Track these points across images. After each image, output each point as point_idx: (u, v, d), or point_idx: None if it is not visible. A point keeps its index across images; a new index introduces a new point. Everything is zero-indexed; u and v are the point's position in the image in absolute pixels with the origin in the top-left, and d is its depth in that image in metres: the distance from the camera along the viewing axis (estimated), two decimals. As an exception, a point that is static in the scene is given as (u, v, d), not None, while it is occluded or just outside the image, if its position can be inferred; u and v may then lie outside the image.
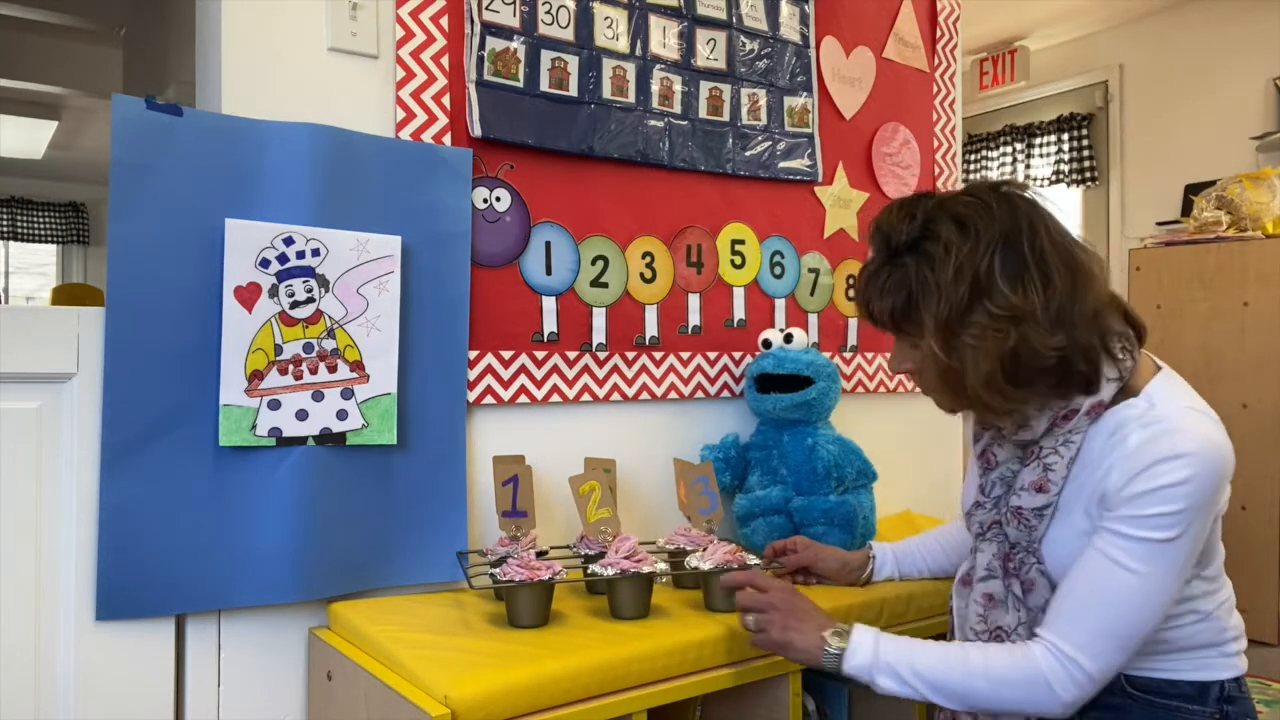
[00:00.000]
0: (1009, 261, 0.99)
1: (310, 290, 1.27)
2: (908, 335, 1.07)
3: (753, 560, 1.30)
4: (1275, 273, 2.80)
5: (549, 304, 1.54)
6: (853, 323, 1.95)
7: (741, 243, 1.77)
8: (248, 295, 1.23)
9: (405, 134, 1.40)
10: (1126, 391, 1.04)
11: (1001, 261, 0.99)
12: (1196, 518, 0.97)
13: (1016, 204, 1.03)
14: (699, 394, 1.71)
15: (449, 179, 1.41)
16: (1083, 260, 1.03)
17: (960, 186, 1.16)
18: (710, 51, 1.71)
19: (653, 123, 1.64)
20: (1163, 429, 0.98)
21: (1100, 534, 0.99)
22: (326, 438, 1.28)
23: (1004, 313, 0.98)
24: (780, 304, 1.83)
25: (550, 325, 1.54)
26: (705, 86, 1.71)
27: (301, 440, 1.26)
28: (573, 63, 1.55)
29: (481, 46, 1.45)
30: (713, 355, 1.73)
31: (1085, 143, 4.52)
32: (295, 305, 1.26)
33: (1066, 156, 4.57)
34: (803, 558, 1.42)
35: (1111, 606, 0.98)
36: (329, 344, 1.29)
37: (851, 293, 1.94)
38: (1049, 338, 0.98)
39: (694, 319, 1.71)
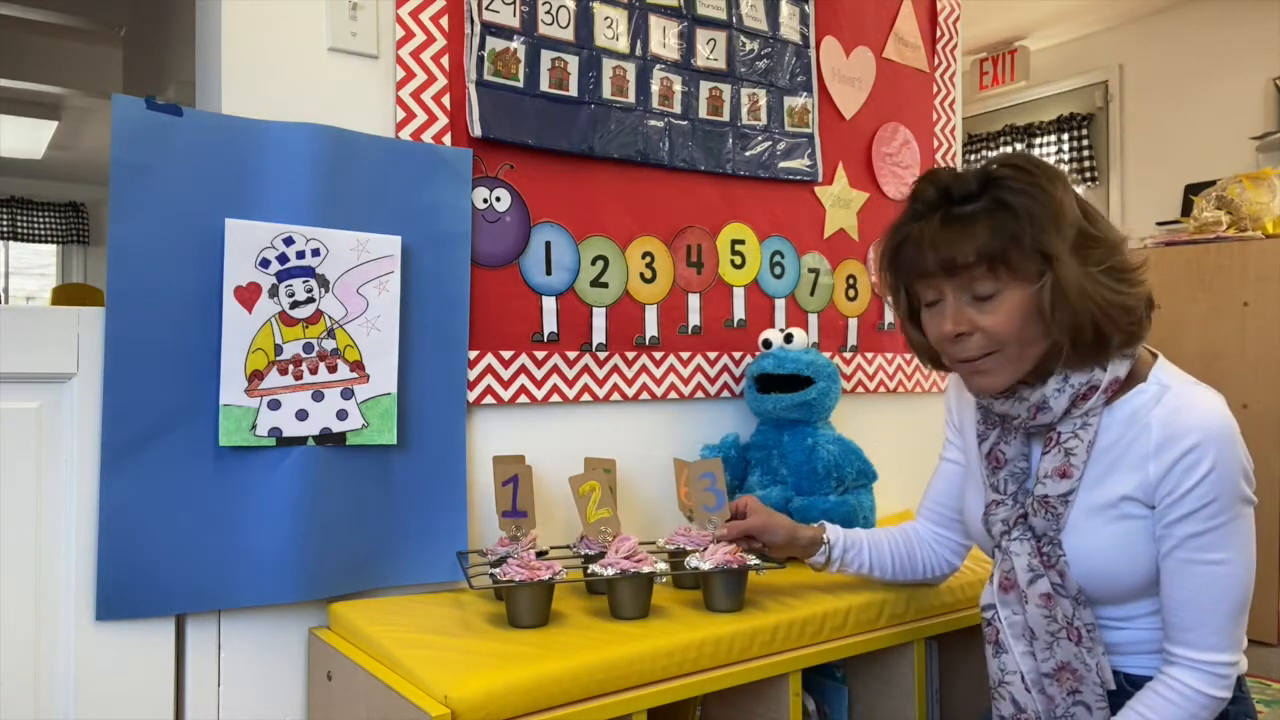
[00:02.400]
0: (1082, 204, 1.05)
1: (310, 290, 1.27)
2: (992, 280, 1.03)
3: (752, 560, 1.30)
4: (1275, 273, 2.80)
5: (549, 304, 1.54)
6: (853, 323, 1.95)
7: (741, 243, 1.77)
8: (248, 295, 1.23)
9: (405, 134, 1.40)
10: (1133, 378, 1.07)
11: (1078, 202, 1.05)
12: (1239, 484, 1.00)
13: (1057, 169, 1.08)
14: (699, 394, 1.71)
15: (449, 179, 1.41)
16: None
17: None
18: (710, 51, 1.71)
19: (653, 123, 1.64)
20: (1179, 415, 1.01)
21: (1174, 546, 1.02)
22: (326, 438, 1.28)
23: (1105, 238, 1.04)
24: (780, 304, 1.83)
25: (550, 325, 1.54)
26: (705, 86, 1.71)
27: (301, 440, 1.26)
28: (573, 63, 1.55)
29: (481, 46, 1.45)
30: (713, 355, 1.73)
31: (1085, 143, 4.52)
32: (295, 305, 1.26)
33: (1066, 156, 4.58)
34: (750, 524, 1.31)
35: (1222, 600, 1.01)
36: (329, 344, 1.29)
37: (853, 293, 1.94)
38: (1141, 272, 1.05)
39: (694, 319, 1.71)
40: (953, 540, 1.36)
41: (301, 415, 1.26)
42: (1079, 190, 4.52)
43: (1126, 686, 1.08)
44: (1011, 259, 1.02)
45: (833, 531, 1.34)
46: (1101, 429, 1.07)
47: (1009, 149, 4.87)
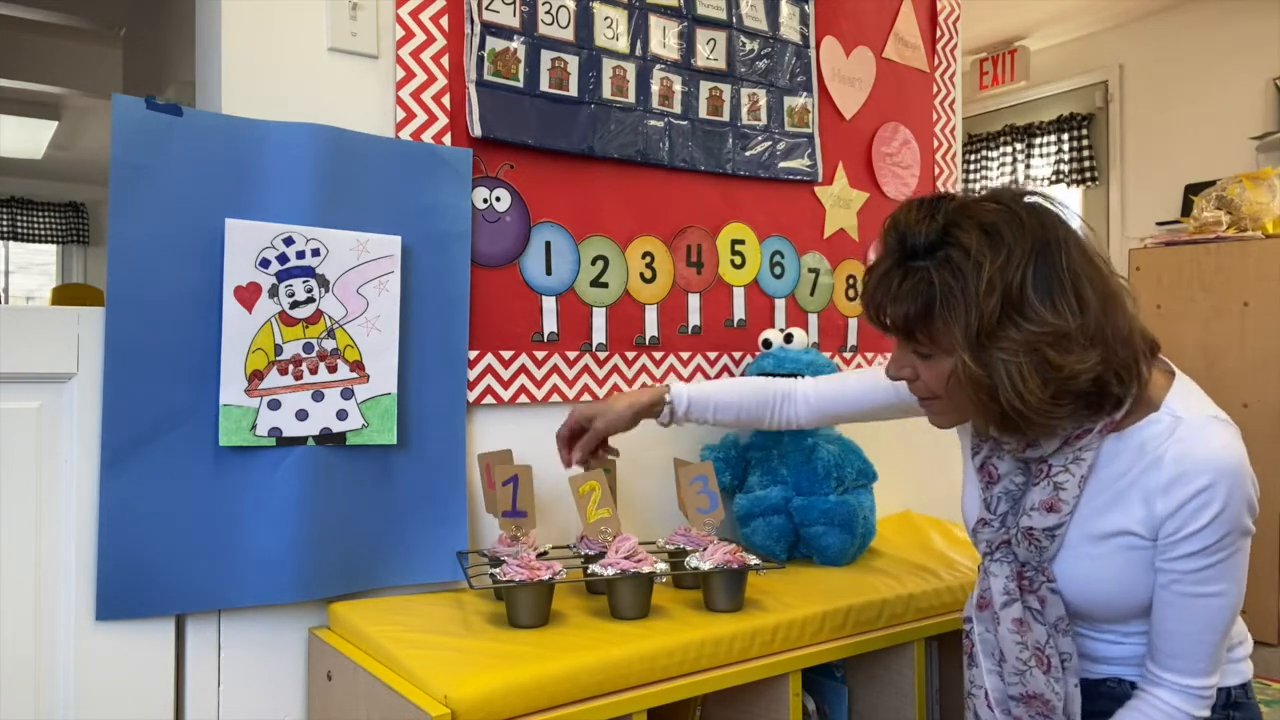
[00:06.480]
0: (1042, 278, 0.95)
1: (310, 290, 1.27)
2: (919, 344, 1.02)
3: (752, 560, 1.30)
4: (1275, 273, 2.80)
5: (549, 304, 1.54)
6: (853, 323, 1.95)
7: (741, 243, 1.77)
8: (248, 295, 1.23)
9: (405, 134, 1.40)
10: (1145, 404, 1.01)
11: (1035, 277, 0.94)
12: (1244, 520, 0.97)
13: (1046, 217, 0.98)
14: (699, 394, 1.70)
15: (449, 179, 1.41)
16: (1109, 277, 0.99)
17: (961, 187, 1.11)
18: (710, 51, 1.71)
19: (653, 123, 1.64)
20: (1193, 452, 0.97)
21: (1172, 580, 0.99)
22: (326, 438, 1.28)
23: (1039, 330, 0.93)
24: (780, 304, 1.83)
25: (550, 325, 1.54)
26: (705, 86, 1.71)
27: (301, 440, 1.26)
28: (573, 63, 1.55)
29: (481, 46, 1.45)
30: (713, 355, 1.73)
31: (1085, 143, 4.52)
32: (295, 305, 1.26)
33: (1066, 156, 4.57)
34: (596, 433, 1.35)
35: (1214, 631, 0.99)
36: (329, 344, 1.29)
37: (852, 293, 1.94)
38: (1085, 358, 0.94)
39: (694, 319, 1.71)
40: (818, 419, 1.43)
41: (301, 415, 1.26)
42: (1078, 194, 4.50)
43: (1118, 692, 1.08)
44: (931, 331, 0.98)
45: (677, 394, 1.38)
46: (1109, 457, 1.02)
47: (1008, 149, 4.86)
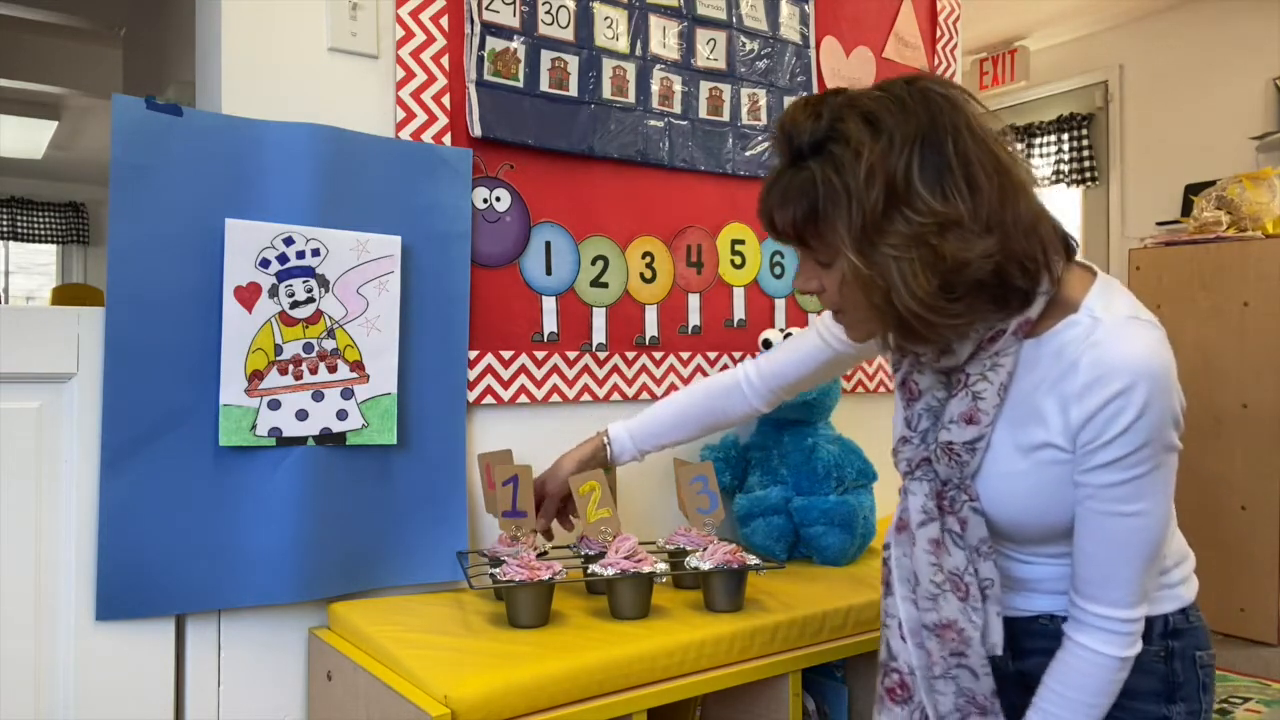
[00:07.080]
0: (929, 164, 0.88)
1: (310, 290, 1.27)
2: (813, 250, 0.95)
3: (752, 560, 1.30)
4: (1275, 273, 2.80)
5: (549, 304, 1.54)
6: (853, 323, 1.95)
7: (741, 243, 1.77)
8: (248, 295, 1.23)
9: (405, 134, 1.40)
10: (1063, 306, 0.95)
11: (920, 164, 0.88)
12: (1167, 431, 0.92)
13: (934, 100, 0.91)
14: (699, 394, 1.70)
15: (449, 179, 1.41)
16: (1009, 165, 0.92)
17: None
18: (710, 51, 1.71)
19: (653, 123, 1.64)
20: (1110, 354, 0.91)
21: (1088, 496, 0.94)
22: (326, 438, 1.28)
23: (927, 220, 0.87)
24: (780, 304, 1.83)
25: (550, 325, 1.54)
26: (705, 86, 1.71)
27: (301, 440, 1.26)
28: (573, 63, 1.55)
29: (481, 46, 1.45)
30: (713, 355, 1.73)
31: (1085, 143, 4.52)
32: (295, 305, 1.26)
33: (1066, 156, 4.58)
34: (551, 496, 1.36)
35: (1136, 555, 0.94)
36: (329, 344, 1.29)
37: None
38: (979, 247, 0.88)
39: (694, 319, 1.71)
40: (773, 397, 1.36)
41: (301, 415, 1.26)
42: (1078, 194, 4.49)
43: (1052, 629, 1.02)
44: (819, 233, 0.92)
45: (615, 435, 1.37)
46: (1028, 364, 0.96)
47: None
